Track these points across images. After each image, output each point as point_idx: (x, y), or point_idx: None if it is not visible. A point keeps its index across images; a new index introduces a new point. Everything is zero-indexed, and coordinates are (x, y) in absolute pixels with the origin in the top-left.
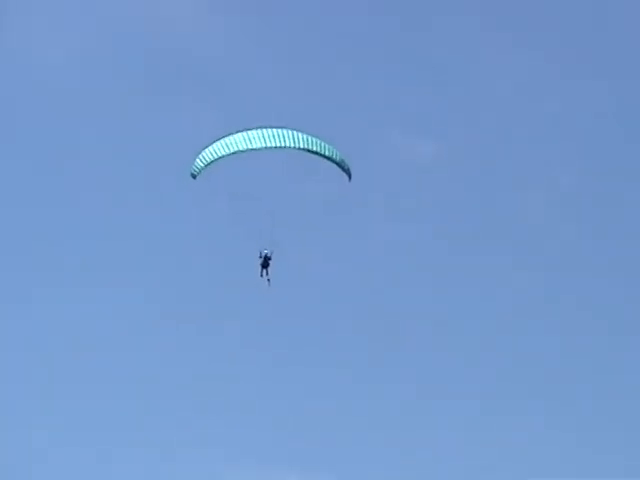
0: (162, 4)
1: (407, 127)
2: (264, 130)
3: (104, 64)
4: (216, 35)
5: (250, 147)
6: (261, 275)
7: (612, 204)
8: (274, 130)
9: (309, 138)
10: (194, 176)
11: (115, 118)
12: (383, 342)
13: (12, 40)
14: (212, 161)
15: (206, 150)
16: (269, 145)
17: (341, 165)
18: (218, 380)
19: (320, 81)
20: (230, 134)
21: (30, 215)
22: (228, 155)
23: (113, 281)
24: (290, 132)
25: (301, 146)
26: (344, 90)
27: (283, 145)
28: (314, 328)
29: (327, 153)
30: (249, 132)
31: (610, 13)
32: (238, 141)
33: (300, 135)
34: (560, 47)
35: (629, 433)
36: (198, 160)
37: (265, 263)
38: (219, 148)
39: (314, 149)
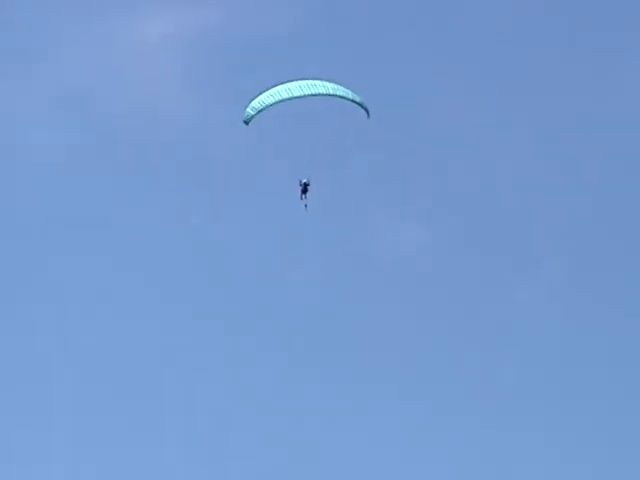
0: (155, 94)
1: (394, 212)
2: (301, 81)
3: (101, 160)
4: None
5: (292, 95)
6: (301, 198)
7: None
8: (310, 81)
9: (337, 86)
10: (247, 123)
11: (113, 213)
12: None
13: (9, 137)
14: (261, 109)
15: (255, 100)
16: (307, 93)
17: (362, 105)
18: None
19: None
20: (273, 86)
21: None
22: (275, 103)
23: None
24: (322, 82)
25: (331, 93)
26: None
27: (317, 92)
28: None
29: (350, 97)
30: (290, 83)
31: (608, 104)
32: (281, 91)
33: (329, 84)
34: (552, 134)
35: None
36: (249, 109)
37: (304, 189)
38: (267, 97)
39: (341, 94)
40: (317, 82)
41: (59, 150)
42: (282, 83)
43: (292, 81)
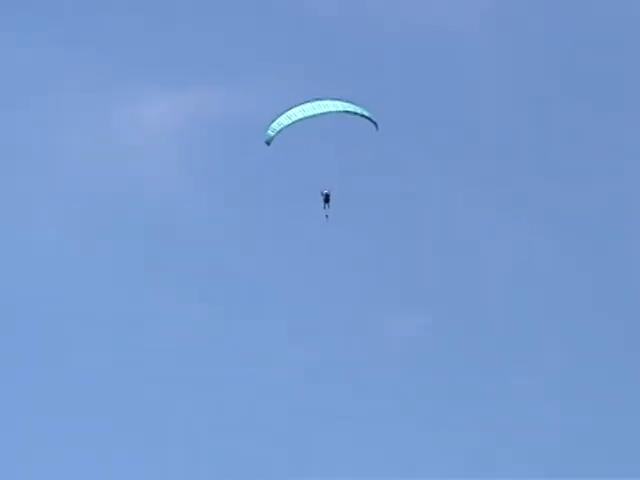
0: (154, 181)
1: (397, 300)
2: (314, 102)
3: (95, 240)
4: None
5: (305, 115)
6: (323, 208)
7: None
8: (322, 101)
9: (348, 104)
10: (268, 143)
11: (109, 292)
12: None
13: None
14: (280, 129)
15: (274, 122)
16: (320, 112)
17: (371, 119)
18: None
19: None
20: (290, 108)
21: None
22: (292, 123)
23: None
24: (332, 101)
25: (342, 109)
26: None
27: (329, 111)
28: None
29: (359, 111)
30: (304, 105)
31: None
32: (296, 112)
33: (340, 103)
34: (549, 221)
35: None
36: (269, 131)
37: (326, 199)
38: (284, 119)
39: (352, 110)
40: (328, 102)
41: (60, 242)
42: (296, 105)
43: (306, 102)
